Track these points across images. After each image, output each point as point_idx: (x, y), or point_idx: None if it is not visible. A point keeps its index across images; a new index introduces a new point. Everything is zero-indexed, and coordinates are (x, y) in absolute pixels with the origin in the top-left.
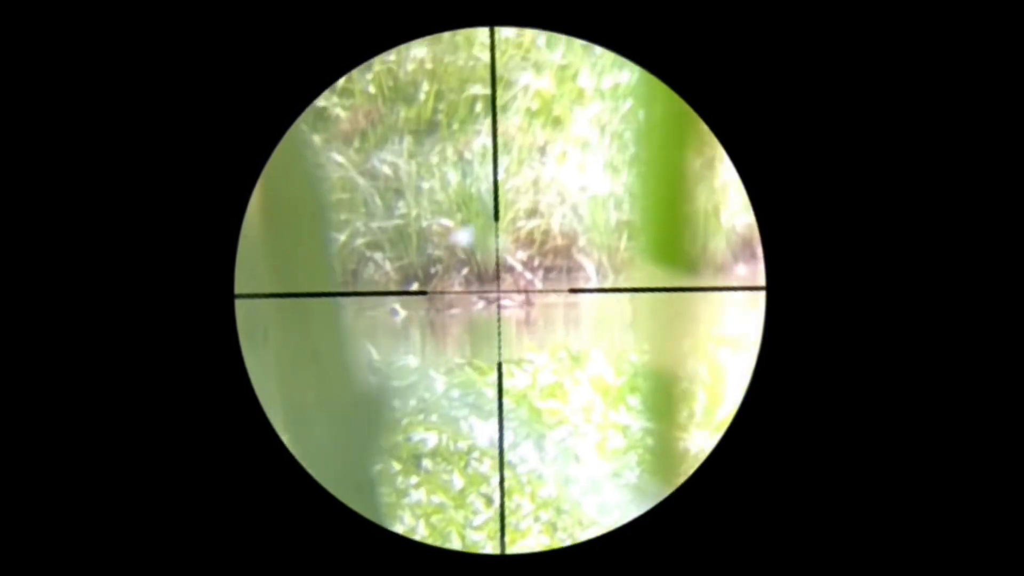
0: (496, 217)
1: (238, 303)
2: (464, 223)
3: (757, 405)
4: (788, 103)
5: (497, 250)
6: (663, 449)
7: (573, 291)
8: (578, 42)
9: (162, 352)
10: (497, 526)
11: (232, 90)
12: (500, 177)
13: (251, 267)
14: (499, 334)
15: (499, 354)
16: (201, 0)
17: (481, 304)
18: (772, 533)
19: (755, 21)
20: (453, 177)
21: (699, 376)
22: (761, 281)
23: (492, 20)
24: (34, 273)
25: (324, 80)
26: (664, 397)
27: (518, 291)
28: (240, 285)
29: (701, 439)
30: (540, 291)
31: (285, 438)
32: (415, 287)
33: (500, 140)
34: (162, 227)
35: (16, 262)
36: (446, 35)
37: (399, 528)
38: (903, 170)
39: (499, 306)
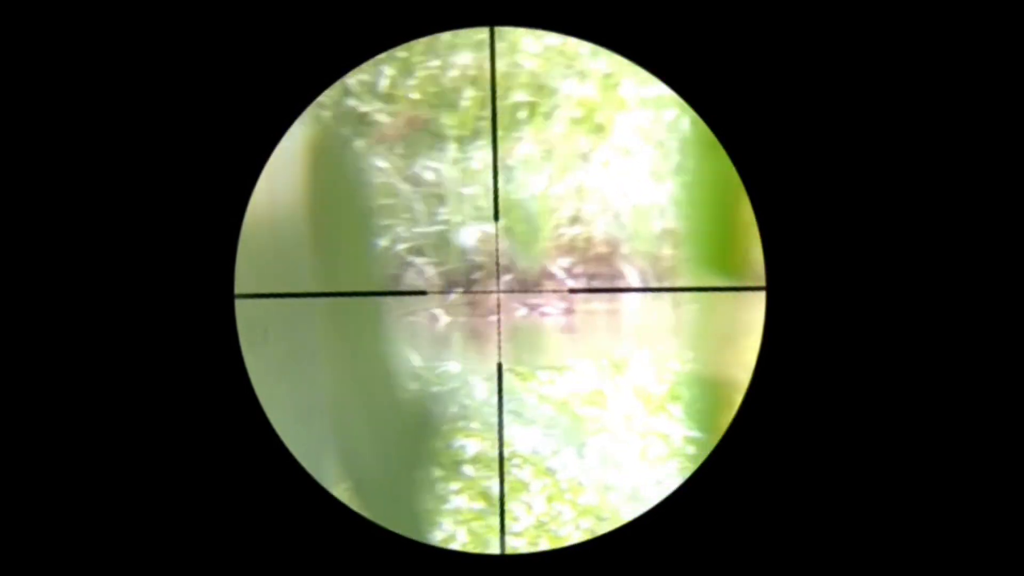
0: (496, 217)
1: (239, 302)
2: (506, 230)
3: (758, 404)
4: (788, 104)
5: (497, 251)
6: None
7: (573, 291)
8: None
9: (162, 352)
10: (537, 532)
11: (232, 90)
12: (543, 186)
13: (293, 266)
14: (499, 334)
15: (499, 354)
16: (202, 0)
17: (524, 310)
18: (773, 532)
19: (756, 22)
20: (495, 184)
21: (740, 383)
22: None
23: (492, 20)
24: (35, 273)
25: (324, 80)
26: (707, 405)
27: (518, 291)
28: (277, 284)
29: None
30: (541, 291)
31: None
32: (457, 292)
33: (543, 147)
34: (162, 227)
35: (17, 262)
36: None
37: (438, 535)
38: (903, 170)
39: (499, 306)
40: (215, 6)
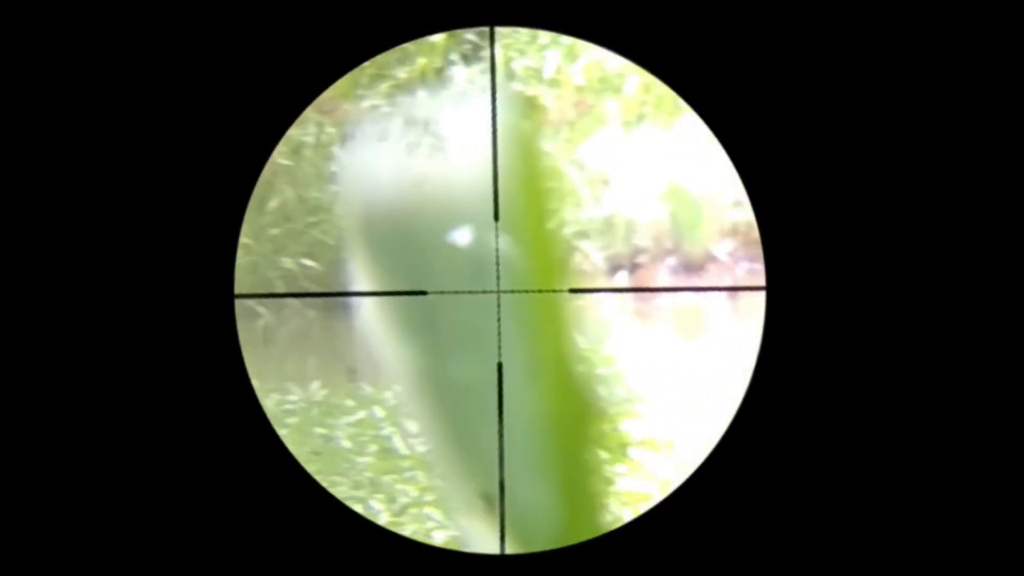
0: (496, 217)
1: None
2: (672, 215)
3: (757, 405)
4: (789, 102)
5: (497, 250)
6: None
7: (573, 291)
8: None
9: (162, 352)
10: None
11: (232, 90)
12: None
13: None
14: (499, 334)
15: (499, 353)
16: (202, 0)
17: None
18: (772, 533)
19: (756, 21)
20: (660, 169)
21: None
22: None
23: (492, 20)
24: (35, 273)
25: (324, 80)
26: None
27: (516, 291)
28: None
29: None
30: (539, 291)
31: None
32: (622, 276)
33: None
34: (162, 227)
35: (16, 262)
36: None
37: (608, 517)
38: (904, 170)
39: (499, 302)
40: (215, 5)
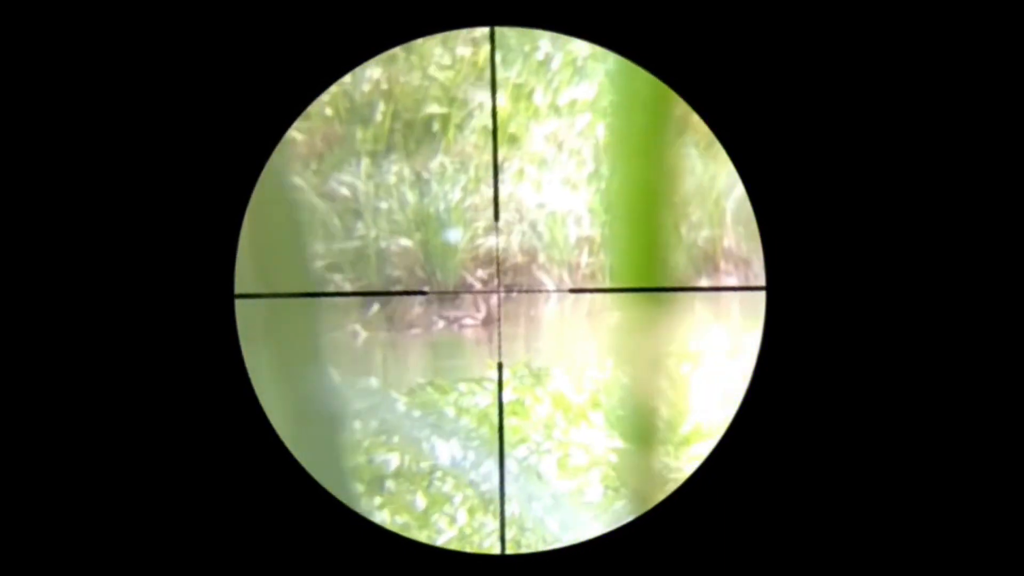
0: (496, 217)
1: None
2: (422, 243)
3: (757, 405)
4: (789, 102)
5: (497, 248)
6: (630, 466)
7: (574, 291)
8: (534, 59)
9: (162, 352)
10: (460, 544)
11: (232, 90)
12: (458, 198)
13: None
14: (499, 333)
15: (499, 352)
16: (203, 1)
17: (442, 323)
18: (771, 534)
19: (757, 21)
20: (411, 197)
21: (664, 392)
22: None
23: (492, 20)
24: (35, 273)
25: (325, 80)
26: (632, 415)
27: (521, 290)
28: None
29: (669, 456)
30: (539, 291)
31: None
32: (375, 308)
33: (457, 160)
34: (162, 227)
35: (16, 262)
36: (400, 54)
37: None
38: (904, 170)
39: (499, 302)
40: (214, 6)
